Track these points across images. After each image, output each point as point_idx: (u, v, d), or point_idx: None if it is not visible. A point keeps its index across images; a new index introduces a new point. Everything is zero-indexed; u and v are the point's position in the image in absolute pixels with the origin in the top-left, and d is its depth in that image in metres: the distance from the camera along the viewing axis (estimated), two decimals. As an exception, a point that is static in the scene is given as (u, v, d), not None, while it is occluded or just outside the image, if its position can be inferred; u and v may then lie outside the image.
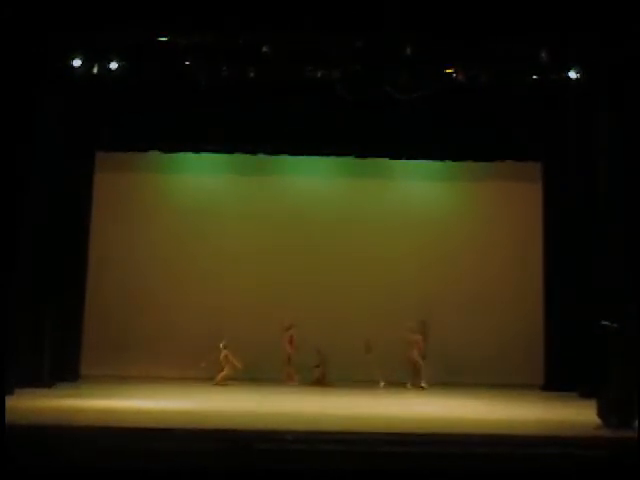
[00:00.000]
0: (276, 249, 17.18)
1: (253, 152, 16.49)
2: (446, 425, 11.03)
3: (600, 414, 11.21)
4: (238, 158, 16.90)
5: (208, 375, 15.78)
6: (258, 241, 17.20)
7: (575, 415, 12.25)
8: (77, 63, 14.22)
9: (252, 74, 14.64)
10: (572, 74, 14.49)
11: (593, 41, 13.46)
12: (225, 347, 15.84)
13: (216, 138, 15.91)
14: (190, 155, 17.03)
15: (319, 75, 14.74)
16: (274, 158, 16.89)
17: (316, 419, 11.54)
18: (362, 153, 16.44)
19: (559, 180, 16.37)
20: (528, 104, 15.55)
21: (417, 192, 17.67)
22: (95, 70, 14.45)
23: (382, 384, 15.86)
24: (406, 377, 16.02)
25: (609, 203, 14.29)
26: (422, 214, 17.50)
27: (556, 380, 15.76)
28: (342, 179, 17.64)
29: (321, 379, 16.17)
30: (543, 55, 14.04)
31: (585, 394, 13.81)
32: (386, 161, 16.88)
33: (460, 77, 14.74)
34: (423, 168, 17.39)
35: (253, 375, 15.92)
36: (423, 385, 15.86)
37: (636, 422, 10.78)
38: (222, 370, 15.83)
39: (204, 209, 17.37)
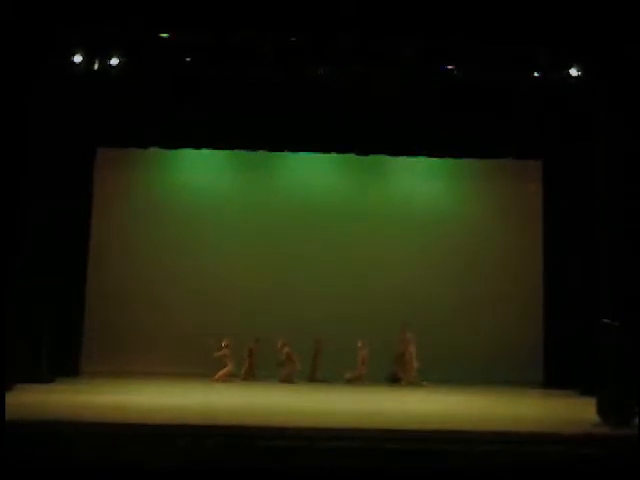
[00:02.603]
0: (276, 246, 17.16)
1: (253, 149, 16.45)
2: (446, 422, 11.01)
3: (600, 412, 11.21)
4: (238, 154, 16.90)
5: (207, 371, 15.78)
6: (258, 238, 17.19)
7: (575, 413, 12.26)
8: (78, 59, 14.19)
9: (252, 70, 14.62)
10: (572, 73, 14.45)
11: (593, 41, 13.45)
12: (227, 346, 15.86)
13: (217, 134, 15.90)
14: (191, 151, 17.01)
15: (320, 72, 14.72)
16: (274, 155, 16.89)
17: (316, 416, 11.55)
18: (362, 150, 16.42)
19: (559, 178, 16.38)
20: (529, 102, 15.52)
21: (417, 190, 17.63)
22: (96, 66, 14.43)
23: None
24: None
25: (609, 202, 14.28)
26: (422, 211, 17.50)
27: (556, 377, 15.79)
28: (342, 176, 17.59)
29: (312, 374, 16.16)
30: (543, 54, 14.03)
31: (585, 392, 13.81)
32: (386, 158, 16.89)
33: (461, 75, 14.73)
34: (423, 166, 17.37)
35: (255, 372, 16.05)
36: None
37: (636, 420, 10.77)
38: (223, 367, 15.89)
39: (204, 205, 17.37)
